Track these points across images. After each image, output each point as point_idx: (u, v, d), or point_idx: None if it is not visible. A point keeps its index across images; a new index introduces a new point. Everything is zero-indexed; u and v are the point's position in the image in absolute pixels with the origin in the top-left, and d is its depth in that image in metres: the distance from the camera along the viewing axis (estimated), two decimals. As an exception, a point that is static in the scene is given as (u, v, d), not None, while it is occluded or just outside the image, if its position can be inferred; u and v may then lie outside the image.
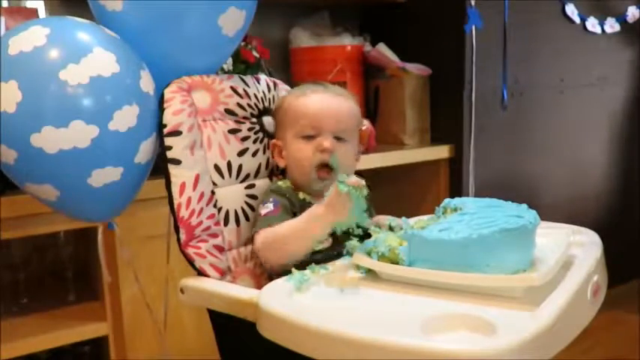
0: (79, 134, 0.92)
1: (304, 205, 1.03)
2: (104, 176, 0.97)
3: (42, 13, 1.56)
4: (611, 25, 2.28)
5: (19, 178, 0.98)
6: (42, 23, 0.97)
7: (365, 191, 0.88)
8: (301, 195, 1.07)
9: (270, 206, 1.02)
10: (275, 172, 1.17)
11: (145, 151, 1.02)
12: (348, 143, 1.08)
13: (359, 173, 1.20)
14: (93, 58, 0.94)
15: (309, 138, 1.06)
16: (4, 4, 1.52)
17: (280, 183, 1.09)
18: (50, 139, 0.91)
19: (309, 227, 0.93)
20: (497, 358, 0.61)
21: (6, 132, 0.92)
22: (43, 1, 1.60)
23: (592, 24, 2.23)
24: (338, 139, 1.06)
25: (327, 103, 1.08)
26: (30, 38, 0.93)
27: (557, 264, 0.79)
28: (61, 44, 0.94)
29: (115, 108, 0.95)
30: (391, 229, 1.02)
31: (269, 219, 1.00)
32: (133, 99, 0.98)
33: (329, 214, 0.90)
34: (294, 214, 1.01)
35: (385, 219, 1.09)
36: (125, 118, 0.97)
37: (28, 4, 1.57)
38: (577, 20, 2.18)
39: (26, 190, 1.00)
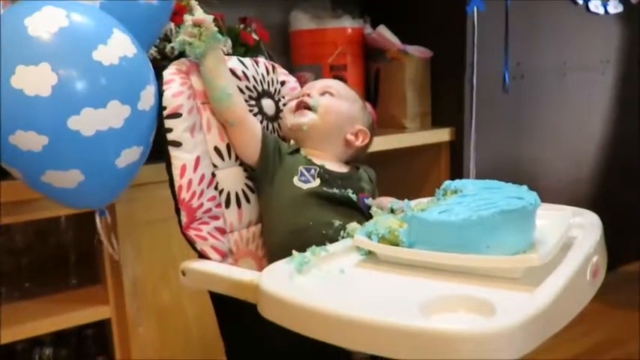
0: (115, 114, 0.92)
1: (293, 152, 1.10)
2: (129, 156, 0.98)
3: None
4: (615, 6, 2.26)
5: (40, 167, 0.93)
6: (51, 4, 0.93)
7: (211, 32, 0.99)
8: (292, 142, 1.15)
9: None
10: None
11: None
12: (335, 98, 1.14)
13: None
14: (116, 39, 0.94)
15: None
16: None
17: None
18: (88, 121, 0.90)
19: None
20: (497, 339, 0.61)
21: (37, 117, 0.88)
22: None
23: (595, 5, 2.20)
24: (324, 94, 1.14)
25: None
26: (50, 19, 0.90)
27: (557, 245, 0.79)
28: (84, 25, 0.93)
29: (141, 88, 0.96)
30: (392, 211, 1.02)
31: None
32: (150, 78, 0.99)
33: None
34: (280, 151, 1.08)
35: (387, 201, 1.09)
36: (148, 98, 0.98)
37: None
38: (580, 1, 2.16)
39: (41, 180, 0.95)
